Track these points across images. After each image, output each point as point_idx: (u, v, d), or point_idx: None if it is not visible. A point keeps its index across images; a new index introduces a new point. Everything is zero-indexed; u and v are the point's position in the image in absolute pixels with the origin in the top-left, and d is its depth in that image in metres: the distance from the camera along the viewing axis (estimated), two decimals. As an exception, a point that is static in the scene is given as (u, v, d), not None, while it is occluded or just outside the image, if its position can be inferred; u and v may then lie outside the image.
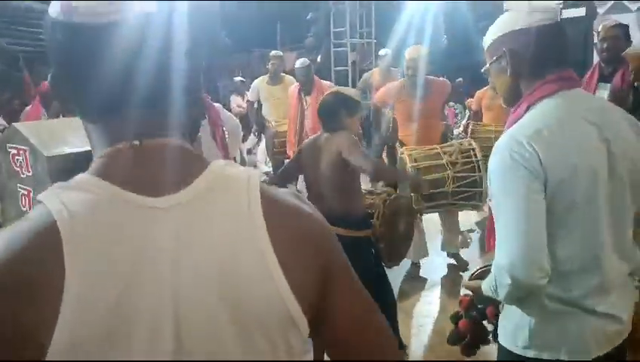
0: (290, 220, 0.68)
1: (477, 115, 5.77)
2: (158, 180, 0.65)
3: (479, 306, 1.49)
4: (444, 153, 3.55)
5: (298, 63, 5.04)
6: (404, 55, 4.16)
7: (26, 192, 2.87)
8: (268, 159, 7.07)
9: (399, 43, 7.56)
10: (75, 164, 2.45)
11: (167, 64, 0.65)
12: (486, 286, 1.28)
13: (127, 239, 0.61)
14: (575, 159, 1.18)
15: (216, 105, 3.79)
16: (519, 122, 1.26)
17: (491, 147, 1.27)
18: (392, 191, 2.96)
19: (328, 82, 5.23)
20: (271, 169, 6.82)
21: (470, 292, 1.49)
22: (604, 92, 3.33)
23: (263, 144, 7.10)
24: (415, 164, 3.55)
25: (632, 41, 4.85)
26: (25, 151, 2.76)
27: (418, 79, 3.99)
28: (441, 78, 4.41)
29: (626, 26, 3.66)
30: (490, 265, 1.25)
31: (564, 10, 5.76)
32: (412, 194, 3.37)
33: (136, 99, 0.64)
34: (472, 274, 1.52)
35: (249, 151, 7.43)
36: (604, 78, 3.42)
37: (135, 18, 0.62)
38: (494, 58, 1.35)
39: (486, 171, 3.26)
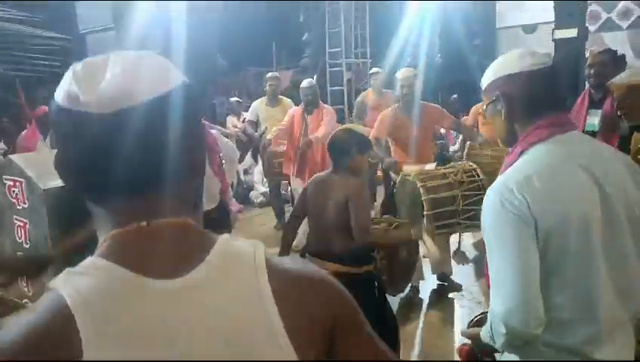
0: (295, 289, 0.70)
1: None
2: (167, 262, 0.65)
3: (479, 355, 1.47)
4: (450, 173, 3.57)
5: (305, 83, 5.07)
6: (397, 77, 4.21)
7: (22, 224, 2.86)
8: (264, 179, 7.08)
9: (394, 62, 7.66)
10: (71, 196, 2.45)
11: (169, 147, 0.66)
12: (484, 333, 1.28)
13: (140, 322, 0.62)
14: (566, 207, 1.18)
15: (214, 131, 3.81)
16: (512, 167, 1.27)
17: (488, 171, 1.29)
18: (393, 219, 2.96)
19: (329, 107, 5.28)
20: (267, 189, 6.84)
21: (469, 341, 1.48)
22: (594, 118, 3.36)
23: (259, 165, 7.12)
24: (423, 184, 3.54)
25: (625, 65, 4.92)
26: (21, 183, 2.76)
27: (412, 100, 4.05)
28: (432, 104, 4.46)
29: (614, 52, 3.68)
30: (487, 312, 1.25)
31: (556, 31, 5.82)
32: (425, 219, 3.36)
33: (142, 183, 0.66)
34: (471, 321, 1.52)
35: (245, 172, 7.44)
36: (594, 104, 3.45)
37: (139, 106, 0.63)
38: (490, 100, 1.37)
39: None
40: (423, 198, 3.33)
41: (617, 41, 10.38)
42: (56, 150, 0.69)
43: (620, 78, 2.50)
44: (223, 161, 3.71)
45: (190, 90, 0.70)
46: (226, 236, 0.72)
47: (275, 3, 8.77)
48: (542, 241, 1.17)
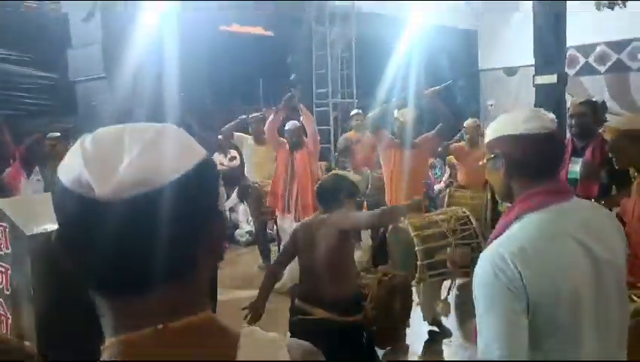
0: None
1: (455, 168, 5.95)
2: None
3: None
4: (443, 221, 3.58)
5: (289, 125, 5.16)
6: (393, 115, 4.30)
7: (3, 269, 2.81)
8: (249, 218, 7.06)
9: (381, 102, 7.78)
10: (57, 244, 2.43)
11: (190, 232, 0.61)
12: None
13: None
14: (558, 282, 1.19)
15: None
16: (506, 234, 1.27)
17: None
18: (388, 271, 2.97)
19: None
20: (253, 228, 6.81)
21: None
22: (576, 166, 3.44)
23: (245, 204, 7.11)
24: (418, 232, 3.55)
25: (605, 111, 5.06)
26: (5, 228, 2.72)
27: (407, 138, 4.17)
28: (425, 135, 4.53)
29: (594, 102, 3.80)
30: None
31: (536, 77, 5.99)
32: (417, 267, 3.35)
33: (159, 274, 0.59)
34: None
35: (231, 210, 7.41)
36: (576, 152, 3.54)
37: (158, 190, 0.57)
38: (490, 156, 1.39)
39: (483, 237, 3.30)
40: (416, 248, 3.33)
41: (596, 85, 10.74)
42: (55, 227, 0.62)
43: (616, 122, 2.59)
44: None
45: (210, 164, 0.65)
46: (247, 331, 0.66)
47: (264, 43, 8.91)
48: (532, 312, 1.17)
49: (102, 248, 0.57)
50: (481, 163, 1.45)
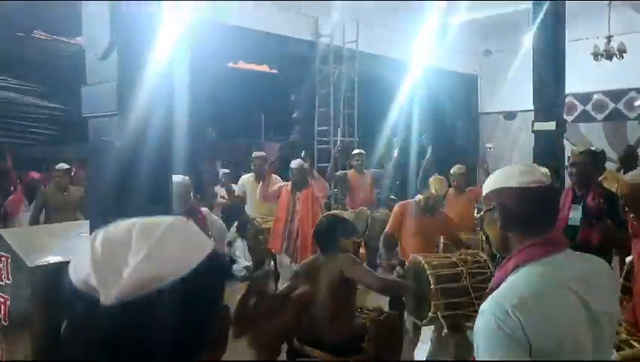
0: None
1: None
2: None
3: None
4: (460, 261, 3.58)
5: (294, 164, 5.15)
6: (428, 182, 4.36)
7: (2, 300, 2.81)
8: (247, 253, 7.04)
9: (383, 142, 7.92)
10: (57, 275, 2.43)
11: (194, 329, 0.63)
12: None
13: None
14: (558, 331, 1.21)
15: (203, 209, 3.86)
16: (505, 286, 1.30)
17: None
18: (382, 309, 2.98)
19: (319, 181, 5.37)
20: (251, 263, 6.79)
21: None
22: (577, 213, 3.48)
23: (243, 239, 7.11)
24: (434, 271, 3.53)
25: (604, 160, 5.13)
26: (7, 258, 2.73)
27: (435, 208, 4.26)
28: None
29: (594, 151, 3.86)
30: None
31: (535, 123, 6.09)
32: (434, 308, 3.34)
33: None
34: None
35: (229, 244, 7.40)
36: (577, 199, 3.58)
37: (162, 289, 0.59)
38: (488, 208, 1.42)
39: None
40: (432, 287, 3.33)
41: (593, 132, 10.89)
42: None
43: (630, 176, 2.63)
44: (212, 240, 3.73)
45: (214, 260, 0.67)
46: None
47: (268, 80, 9.08)
48: (534, 359, 1.19)
49: (103, 348, 0.59)
50: (478, 216, 1.48)
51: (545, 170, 1.42)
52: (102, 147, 2.26)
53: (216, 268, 0.68)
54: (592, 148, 4.90)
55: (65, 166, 5.35)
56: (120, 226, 0.65)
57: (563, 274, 1.30)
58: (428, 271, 3.42)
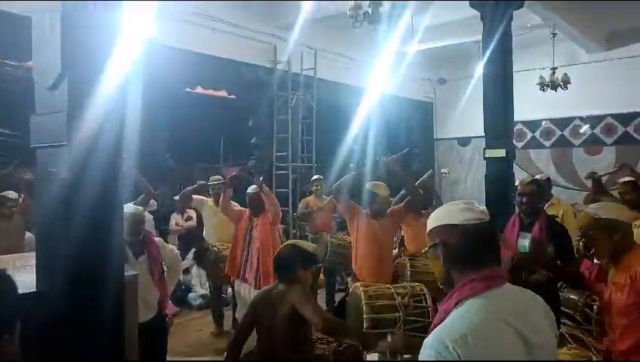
0: None
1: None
2: None
3: None
4: (397, 294, 3.61)
5: (250, 189, 5.15)
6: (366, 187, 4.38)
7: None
8: (203, 281, 6.93)
9: (339, 169, 7.98)
10: (18, 307, 2.34)
11: None
12: None
13: None
14: None
15: (157, 239, 3.80)
16: (446, 321, 1.34)
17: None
18: (342, 341, 2.98)
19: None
20: (207, 291, 6.68)
21: None
22: (525, 241, 3.60)
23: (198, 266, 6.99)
24: (370, 301, 3.57)
25: (550, 187, 5.34)
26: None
27: (380, 211, 4.27)
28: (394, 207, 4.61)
29: (540, 181, 4.03)
30: None
31: (487, 150, 6.29)
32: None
33: None
34: None
35: (185, 271, 7.26)
36: (524, 227, 3.71)
37: None
38: (432, 243, 1.47)
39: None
40: (364, 316, 3.37)
41: (542, 157, 11.35)
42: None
43: (590, 208, 2.63)
44: (165, 269, 3.67)
45: None
46: None
47: (227, 105, 9.08)
48: None
49: None
50: (423, 251, 1.53)
51: (483, 207, 1.48)
52: (49, 177, 2.21)
53: None
54: (538, 178, 5.13)
55: (12, 194, 5.19)
56: None
57: (502, 309, 1.34)
58: (363, 301, 3.48)
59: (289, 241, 3.15)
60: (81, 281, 2.10)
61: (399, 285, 3.90)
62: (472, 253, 1.40)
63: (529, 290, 1.49)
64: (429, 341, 1.30)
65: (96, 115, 2.20)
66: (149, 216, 7.28)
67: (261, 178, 5.16)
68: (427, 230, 1.51)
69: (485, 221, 1.43)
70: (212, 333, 5.75)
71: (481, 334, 1.28)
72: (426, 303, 3.55)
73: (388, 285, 3.84)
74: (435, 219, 1.49)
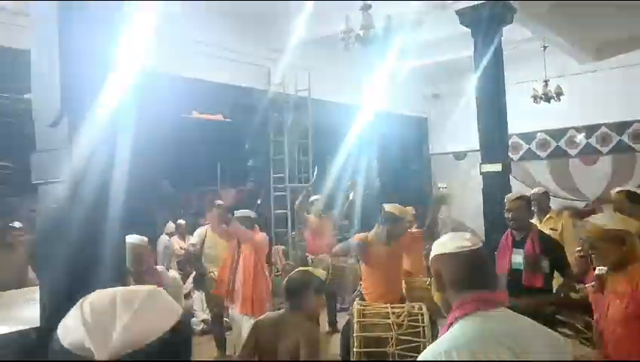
0: None
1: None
2: None
3: None
4: (393, 313, 3.61)
5: (239, 213, 5.16)
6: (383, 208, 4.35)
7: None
8: (205, 306, 6.90)
9: (335, 188, 8.03)
10: (4, 347, 2.34)
11: None
12: None
13: None
14: None
15: (159, 267, 3.80)
16: (440, 339, 1.43)
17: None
18: None
19: (264, 234, 5.35)
20: (208, 316, 6.65)
21: None
22: (518, 257, 3.61)
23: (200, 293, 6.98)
24: (361, 319, 3.57)
25: (549, 206, 5.36)
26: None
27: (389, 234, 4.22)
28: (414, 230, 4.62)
29: (528, 197, 4.04)
30: None
31: (482, 165, 6.34)
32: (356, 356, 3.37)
33: None
34: None
35: (186, 296, 7.23)
36: (517, 244, 3.72)
37: (144, 348, 0.74)
38: (432, 274, 1.59)
39: (431, 338, 3.36)
40: (354, 334, 3.38)
41: (538, 169, 11.39)
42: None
43: (599, 220, 2.65)
44: (167, 298, 3.67)
45: (182, 323, 0.82)
46: None
47: (222, 131, 9.13)
48: None
49: None
50: (427, 282, 1.62)
51: (471, 235, 1.60)
52: (50, 213, 2.23)
53: (184, 329, 0.83)
54: (534, 192, 5.16)
55: (17, 224, 5.26)
56: (103, 295, 0.81)
57: (493, 328, 1.40)
58: (354, 319, 3.49)
59: (300, 268, 3.17)
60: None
61: (398, 304, 3.87)
62: (463, 277, 1.51)
63: (528, 319, 1.51)
64: (423, 354, 1.39)
65: (96, 151, 2.23)
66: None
67: (259, 201, 5.19)
68: (429, 262, 1.63)
69: (475, 248, 1.53)
70: (215, 358, 5.72)
71: (467, 349, 1.32)
72: (423, 322, 3.54)
73: (387, 304, 3.82)
74: (433, 249, 1.61)
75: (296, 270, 3.07)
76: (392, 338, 3.47)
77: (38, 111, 2.40)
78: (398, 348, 3.45)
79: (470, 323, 1.41)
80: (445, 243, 1.57)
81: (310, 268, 3.11)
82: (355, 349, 3.42)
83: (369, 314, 3.66)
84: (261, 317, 3.05)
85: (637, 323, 2.36)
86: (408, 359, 3.45)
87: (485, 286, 1.50)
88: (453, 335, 1.40)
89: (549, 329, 1.51)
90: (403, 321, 3.55)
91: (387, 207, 4.31)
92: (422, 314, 3.58)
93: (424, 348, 3.44)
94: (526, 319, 1.50)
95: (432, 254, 1.60)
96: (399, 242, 4.23)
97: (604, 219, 2.62)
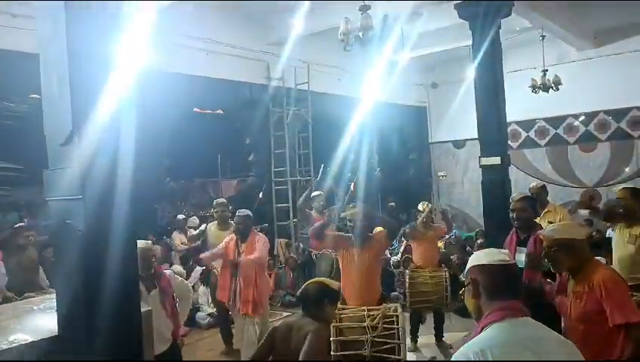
0: None
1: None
2: None
3: None
4: (369, 316, 3.68)
5: (239, 212, 5.20)
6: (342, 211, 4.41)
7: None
8: (210, 300, 7.01)
9: (336, 180, 8.09)
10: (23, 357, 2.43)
11: None
12: None
13: None
14: None
15: (167, 271, 3.88)
16: (475, 338, 1.60)
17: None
18: None
19: (262, 235, 5.40)
20: (214, 310, 6.76)
21: None
22: (521, 255, 3.69)
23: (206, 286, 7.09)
24: (337, 323, 3.66)
25: (547, 199, 5.44)
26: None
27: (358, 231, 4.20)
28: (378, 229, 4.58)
29: (532, 198, 4.12)
30: None
31: (482, 159, 6.41)
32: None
33: None
34: None
35: (192, 289, 7.34)
36: (520, 242, 3.81)
37: None
38: (467, 283, 1.78)
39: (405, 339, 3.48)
40: (331, 338, 3.48)
41: (537, 156, 11.47)
42: None
43: (550, 230, 2.89)
44: (177, 301, 3.76)
45: None
46: None
47: (223, 124, 9.17)
48: None
49: None
50: (461, 291, 1.74)
51: (506, 251, 1.83)
52: (65, 229, 2.31)
53: None
54: (533, 186, 5.23)
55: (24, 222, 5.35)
56: None
57: (521, 333, 1.59)
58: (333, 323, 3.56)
59: (316, 279, 3.27)
60: (100, 330, 2.20)
61: (374, 307, 3.86)
62: (496, 287, 1.68)
63: (548, 328, 1.67)
64: (454, 356, 1.55)
65: (108, 167, 2.30)
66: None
67: (260, 194, 5.22)
68: (465, 271, 1.83)
69: (506, 263, 1.72)
70: (222, 352, 5.83)
71: (498, 349, 1.51)
72: (397, 324, 3.62)
73: (364, 307, 3.82)
74: (471, 260, 1.81)
75: (312, 281, 3.16)
76: (367, 341, 3.56)
77: (50, 129, 2.45)
78: (373, 350, 3.54)
79: (501, 328, 1.59)
80: (482, 256, 1.77)
81: (326, 280, 3.20)
82: (332, 352, 3.52)
83: (345, 318, 3.73)
84: (279, 323, 3.17)
85: (595, 318, 2.61)
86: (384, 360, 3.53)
87: (515, 296, 1.68)
88: (487, 336, 1.58)
89: (564, 337, 1.70)
90: (377, 324, 3.62)
91: (343, 213, 4.36)
92: (397, 316, 3.65)
93: (399, 349, 3.54)
94: (545, 327, 1.67)
95: (470, 265, 1.78)
96: (371, 245, 4.15)
97: (552, 231, 2.88)
